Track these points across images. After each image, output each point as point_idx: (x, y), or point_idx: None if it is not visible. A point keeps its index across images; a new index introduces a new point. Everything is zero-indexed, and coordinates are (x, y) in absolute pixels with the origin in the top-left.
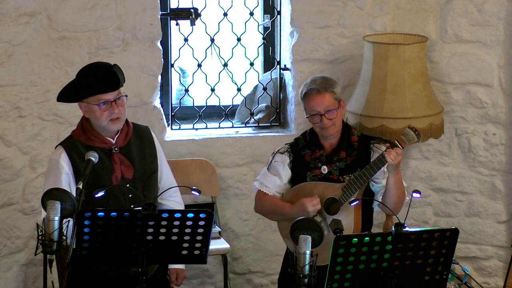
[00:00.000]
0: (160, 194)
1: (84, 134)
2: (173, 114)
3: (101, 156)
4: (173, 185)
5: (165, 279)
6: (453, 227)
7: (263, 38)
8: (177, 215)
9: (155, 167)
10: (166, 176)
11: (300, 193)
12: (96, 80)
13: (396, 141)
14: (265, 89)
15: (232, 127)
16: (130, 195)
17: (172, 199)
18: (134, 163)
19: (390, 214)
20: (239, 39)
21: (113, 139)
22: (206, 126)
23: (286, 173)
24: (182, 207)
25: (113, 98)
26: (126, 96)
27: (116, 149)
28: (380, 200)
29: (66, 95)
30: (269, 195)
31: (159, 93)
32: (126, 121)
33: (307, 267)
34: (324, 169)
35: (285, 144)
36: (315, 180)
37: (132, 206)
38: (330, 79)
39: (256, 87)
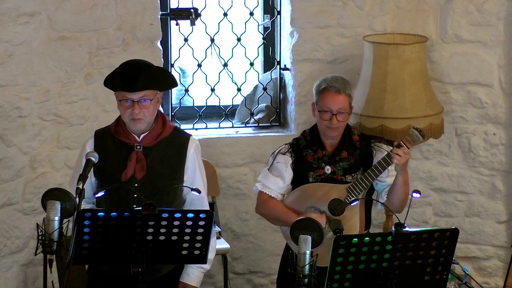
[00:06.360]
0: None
1: (116, 126)
2: (173, 114)
3: (122, 150)
4: (202, 200)
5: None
6: (453, 227)
7: (263, 38)
8: (177, 215)
9: (175, 176)
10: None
11: (304, 195)
12: (120, 77)
13: (401, 142)
14: (265, 89)
15: (232, 127)
16: (136, 195)
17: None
18: (151, 166)
19: (392, 213)
20: (239, 39)
21: (139, 137)
22: (206, 126)
23: (288, 174)
24: None
25: (136, 98)
26: (151, 100)
27: (138, 147)
28: (385, 198)
29: (107, 82)
30: (273, 200)
31: None
32: (166, 123)
33: (307, 267)
34: (328, 169)
35: (285, 144)
36: (318, 181)
37: (134, 206)
38: (349, 83)
39: (256, 87)
